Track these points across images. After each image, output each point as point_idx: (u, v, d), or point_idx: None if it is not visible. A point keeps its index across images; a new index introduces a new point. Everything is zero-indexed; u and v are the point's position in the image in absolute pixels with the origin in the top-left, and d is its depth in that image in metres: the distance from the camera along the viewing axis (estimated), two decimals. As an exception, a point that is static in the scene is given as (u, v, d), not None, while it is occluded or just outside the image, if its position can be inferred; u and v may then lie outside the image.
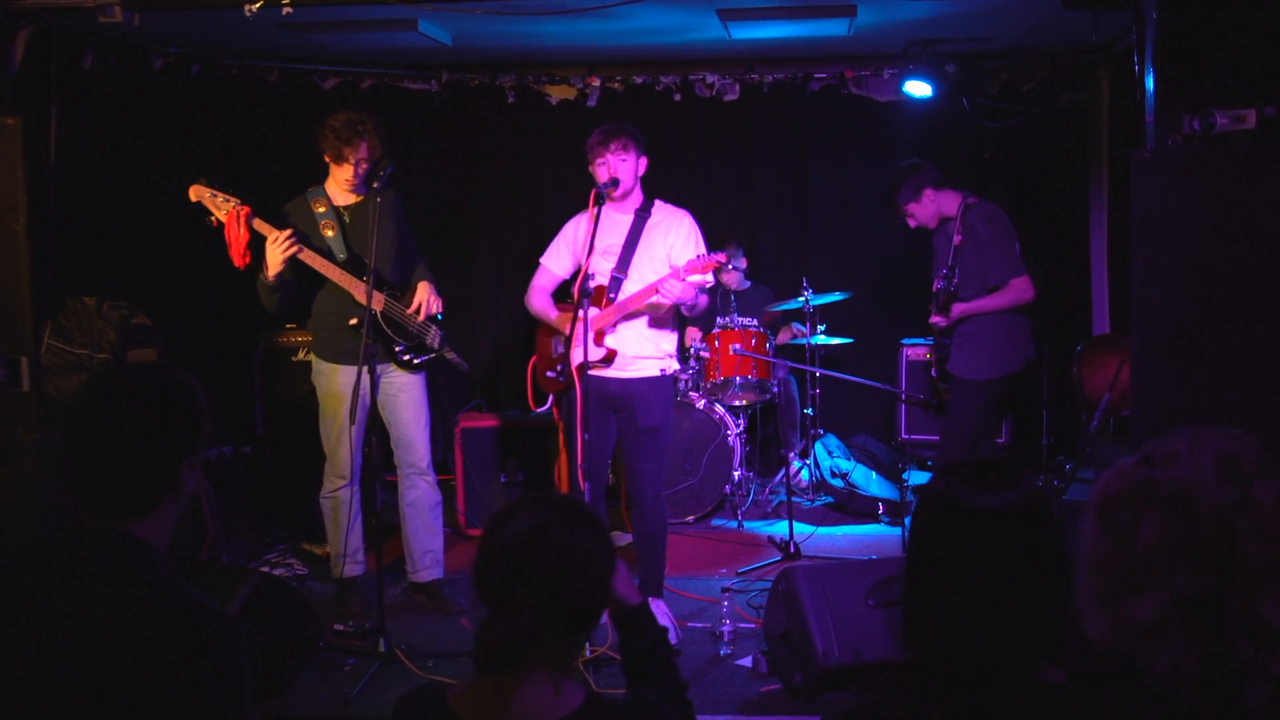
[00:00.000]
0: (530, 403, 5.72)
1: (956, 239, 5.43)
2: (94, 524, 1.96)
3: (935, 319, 5.56)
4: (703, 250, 4.85)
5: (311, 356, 5.25)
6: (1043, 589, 1.80)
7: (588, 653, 4.48)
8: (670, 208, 4.99)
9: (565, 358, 4.87)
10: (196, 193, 4.83)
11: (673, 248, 4.87)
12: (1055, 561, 1.82)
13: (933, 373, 5.85)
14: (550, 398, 5.59)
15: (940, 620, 1.83)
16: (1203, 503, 1.66)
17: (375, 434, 5.00)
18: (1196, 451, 1.72)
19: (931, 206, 5.54)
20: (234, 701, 1.89)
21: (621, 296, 4.86)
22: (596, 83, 7.54)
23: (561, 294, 5.20)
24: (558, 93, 7.70)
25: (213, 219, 4.83)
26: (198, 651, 1.86)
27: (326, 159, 5.00)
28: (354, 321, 4.87)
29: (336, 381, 5.03)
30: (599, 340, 4.84)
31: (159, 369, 2.14)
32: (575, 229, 5.07)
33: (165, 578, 1.92)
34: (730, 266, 7.33)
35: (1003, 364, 5.48)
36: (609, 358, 4.84)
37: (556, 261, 5.10)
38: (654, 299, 4.78)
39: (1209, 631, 1.65)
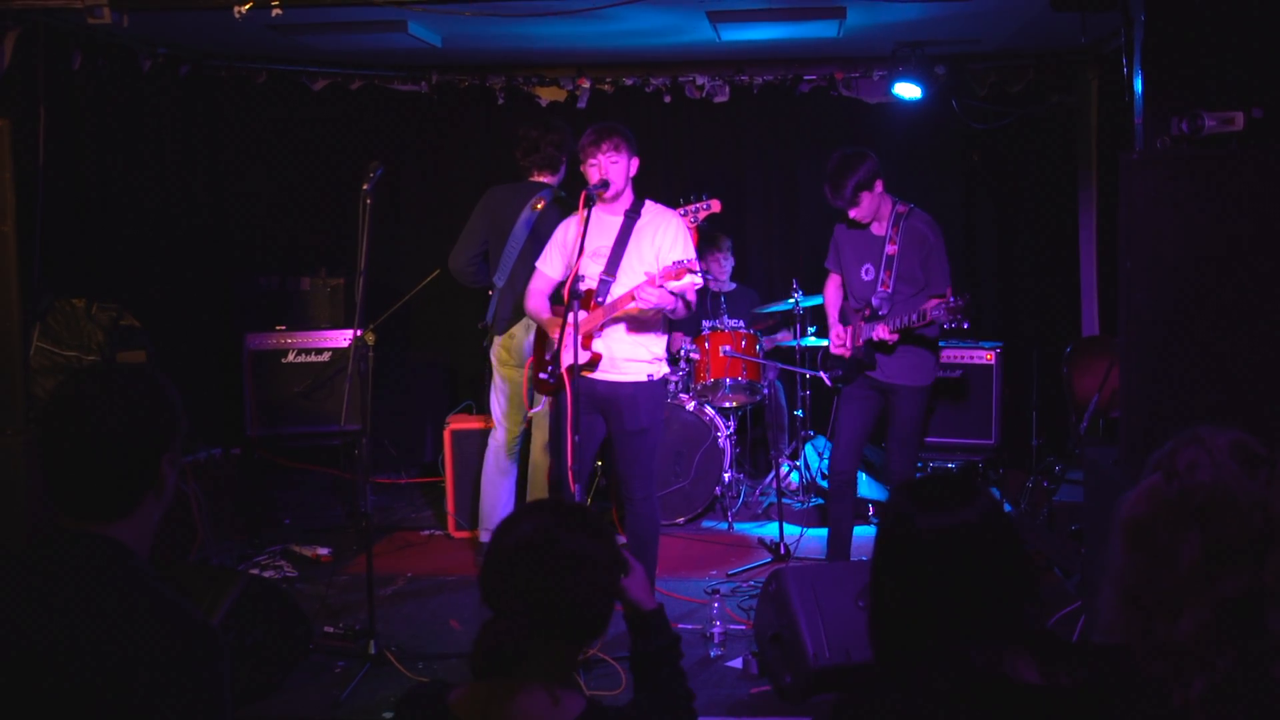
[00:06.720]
0: (525, 403, 5.72)
1: (892, 246, 5.29)
2: (72, 528, 1.91)
3: (882, 334, 5.15)
4: (691, 253, 4.80)
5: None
6: (1004, 594, 1.81)
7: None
8: (660, 208, 4.93)
9: (555, 359, 4.87)
10: None
11: (660, 249, 4.82)
12: (1015, 569, 1.83)
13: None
14: (543, 400, 5.58)
15: (904, 628, 1.84)
16: (1240, 498, 1.69)
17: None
18: (1214, 452, 1.74)
19: (877, 200, 5.26)
20: (215, 711, 1.85)
21: (608, 300, 4.84)
22: (586, 84, 7.54)
23: (557, 296, 5.17)
24: (548, 94, 7.69)
25: None
26: (178, 660, 1.82)
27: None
28: None
29: None
30: (586, 344, 4.79)
31: (127, 367, 2.12)
32: (565, 232, 5.03)
33: (146, 583, 1.88)
34: (709, 272, 7.26)
35: (935, 368, 5.45)
36: (593, 362, 4.80)
37: (550, 265, 5.06)
38: (632, 305, 4.75)
39: (1245, 629, 1.66)
